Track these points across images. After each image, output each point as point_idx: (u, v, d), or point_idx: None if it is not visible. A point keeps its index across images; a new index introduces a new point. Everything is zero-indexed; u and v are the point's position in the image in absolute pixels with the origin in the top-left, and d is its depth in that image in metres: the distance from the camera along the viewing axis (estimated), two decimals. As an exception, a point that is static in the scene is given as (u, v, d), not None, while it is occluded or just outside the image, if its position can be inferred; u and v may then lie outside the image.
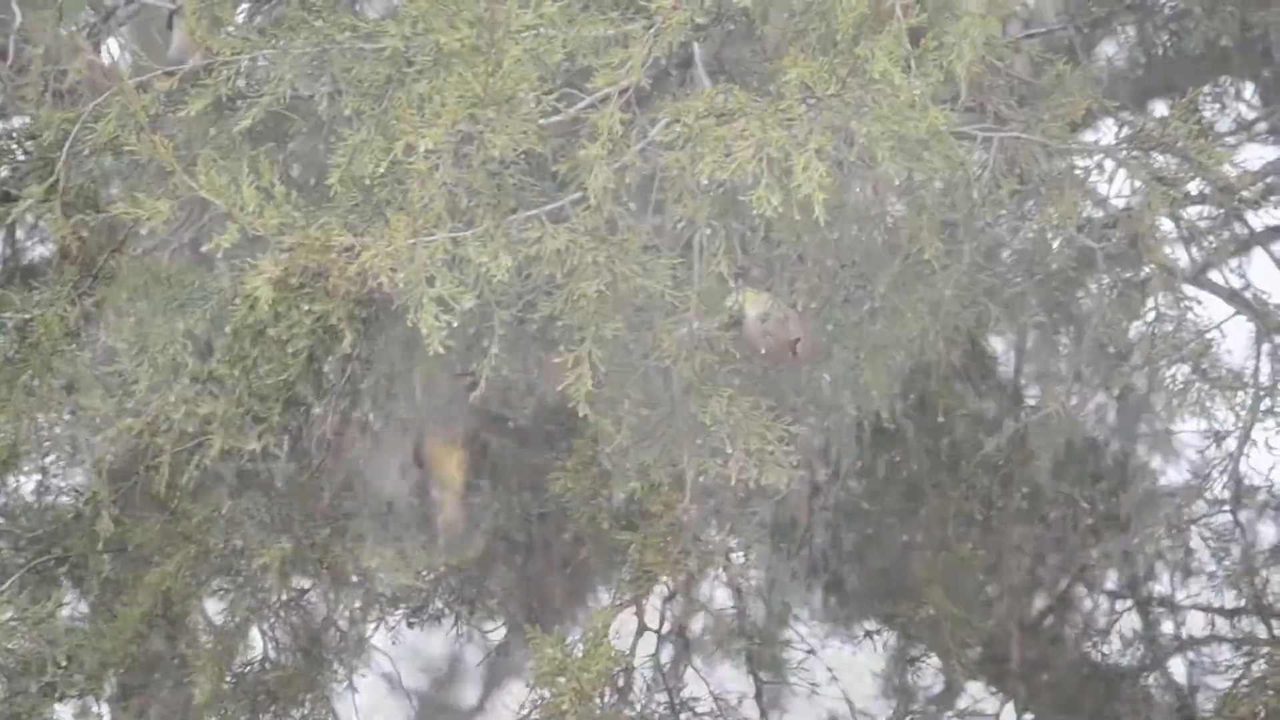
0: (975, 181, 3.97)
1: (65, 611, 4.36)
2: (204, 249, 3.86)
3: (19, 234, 5.03)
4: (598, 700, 3.79)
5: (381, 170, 3.73)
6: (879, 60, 3.60)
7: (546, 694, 3.86)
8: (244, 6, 4.15)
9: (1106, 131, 4.71)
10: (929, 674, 5.41)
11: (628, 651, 4.06)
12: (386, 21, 3.90)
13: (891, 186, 3.92)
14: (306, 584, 4.16)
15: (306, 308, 3.73)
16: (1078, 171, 4.07)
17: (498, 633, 4.95)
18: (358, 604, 4.03)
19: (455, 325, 3.72)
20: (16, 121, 5.02)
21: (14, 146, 4.52)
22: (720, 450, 3.92)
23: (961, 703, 5.53)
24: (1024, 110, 4.17)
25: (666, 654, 4.53)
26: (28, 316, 4.35)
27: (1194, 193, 4.26)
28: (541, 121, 3.80)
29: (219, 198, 3.71)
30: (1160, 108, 4.81)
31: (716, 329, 3.93)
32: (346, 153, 3.83)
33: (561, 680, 3.83)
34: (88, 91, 4.37)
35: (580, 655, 3.79)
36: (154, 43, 5.50)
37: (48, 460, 4.72)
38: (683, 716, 4.38)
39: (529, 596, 4.80)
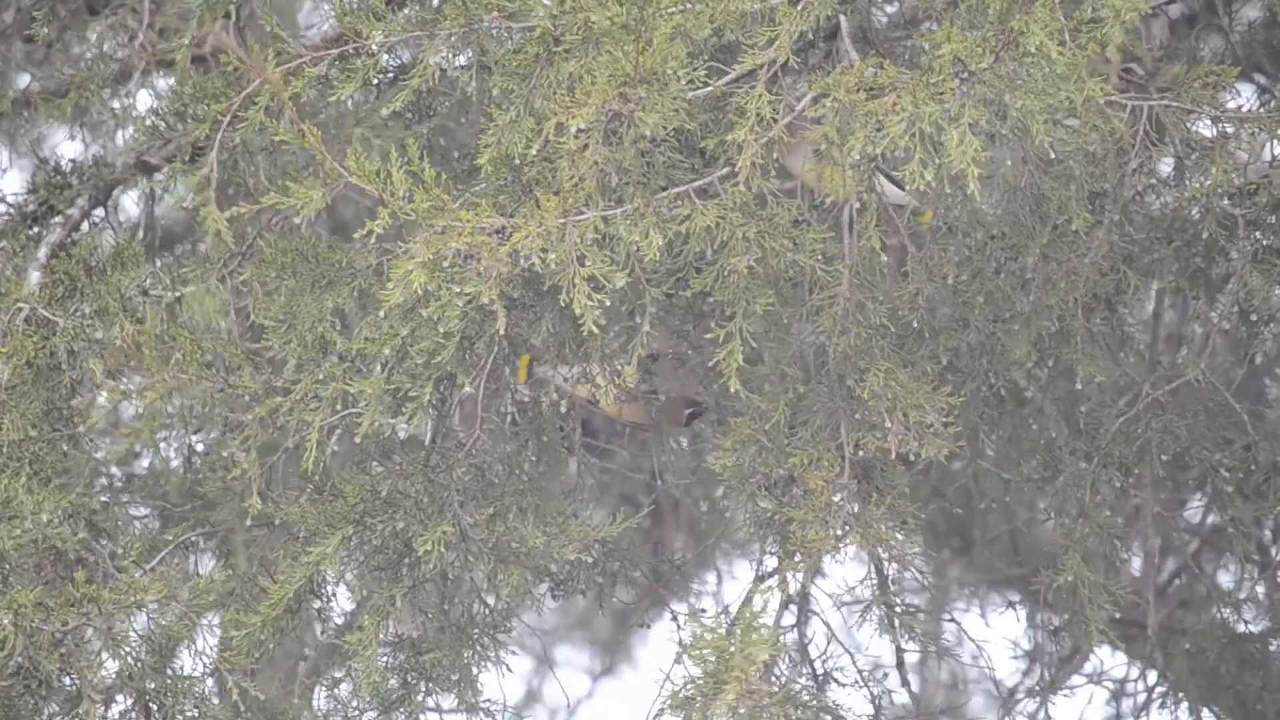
0: (1129, 151, 3.95)
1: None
2: (356, 236, 3.87)
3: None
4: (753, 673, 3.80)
5: (534, 151, 3.74)
6: (1035, 34, 3.58)
7: (692, 666, 3.87)
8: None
9: (1242, 95, 4.66)
10: (1057, 638, 5.40)
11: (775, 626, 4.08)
12: (533, 0, 3.90)
13: (1042, 158, 3.90)
14: (452, 557, 4.16)
15: (458, 289, 3.74)
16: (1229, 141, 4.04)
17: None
18: (514, 581, 4.02)
19: (608, 304, 3.72)
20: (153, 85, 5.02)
21: (156, 120, 4.53)
22: (879, 424, 3.92)
23: (1088, 666, 5.52)
24: (1166, 72, 4.14)
25: (808, 625, 4.53)
26: (177, 294, 4.38)
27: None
28: (689, 96, 3.80)
29: (370, 184, 3.72)
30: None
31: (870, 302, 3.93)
32: (496, 133, 3.84)
33: (712, 658, 3.84)
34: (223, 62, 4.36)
35: (739, 635, 3.80)
36: (288, 12, 5.52)
37: (194, 435, 4.77)
38: (828, 687, 4.38)
39: (666, 565, 4.80)
